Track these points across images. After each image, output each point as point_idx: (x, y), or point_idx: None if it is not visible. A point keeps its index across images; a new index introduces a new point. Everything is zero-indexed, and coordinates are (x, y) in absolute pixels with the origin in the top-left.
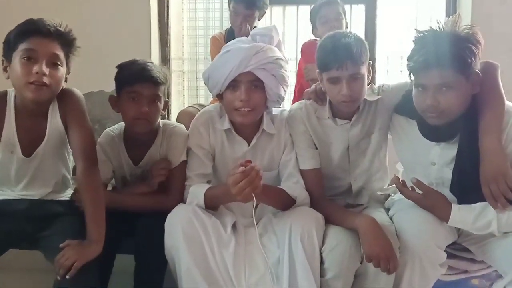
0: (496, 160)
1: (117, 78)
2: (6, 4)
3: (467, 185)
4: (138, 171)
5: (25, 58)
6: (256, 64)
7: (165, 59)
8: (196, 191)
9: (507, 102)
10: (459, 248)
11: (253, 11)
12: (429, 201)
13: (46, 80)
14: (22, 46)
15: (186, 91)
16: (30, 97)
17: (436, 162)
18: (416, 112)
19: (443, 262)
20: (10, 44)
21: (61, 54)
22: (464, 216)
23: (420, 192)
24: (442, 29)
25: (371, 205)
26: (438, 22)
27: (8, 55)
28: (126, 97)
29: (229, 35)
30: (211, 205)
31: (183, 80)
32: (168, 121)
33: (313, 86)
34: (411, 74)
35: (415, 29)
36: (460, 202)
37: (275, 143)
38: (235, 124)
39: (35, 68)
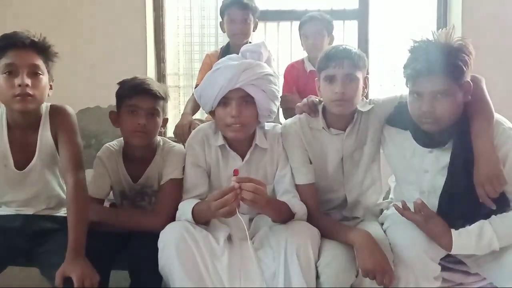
0: (490, 162)
1: (118, 93)
2: (1, 22)
3: (458, 191)
4: (137, 188)
5: (7, 73)
6: (246, 81)
7: (161, 74)
8: (184, 207)
9: (495, 114)
10: (453, 261)
11: (247, 12)
12: (430, 227)
13: (29, 90)
14: (1, 62)
15: (182, 106)
16: (17, 108)
17: (430, 169)
18: (409, 122)
19: (437, 275)
20: None
21: (40, 63)
22: (466, 240)
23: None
24: (436, 39)
25: (366, 219)
26: (433, 33)
27: None
28: (125, 110)
29: (224, 53)
30: (199, 220)
31: (179, 95)
32: (168, 140)
33: (304, 100)
34: (407, 81)
35: (411, 39)
36: (448, 209)
37: (268, 158)
38: (229, 140)
39: (17, 81)
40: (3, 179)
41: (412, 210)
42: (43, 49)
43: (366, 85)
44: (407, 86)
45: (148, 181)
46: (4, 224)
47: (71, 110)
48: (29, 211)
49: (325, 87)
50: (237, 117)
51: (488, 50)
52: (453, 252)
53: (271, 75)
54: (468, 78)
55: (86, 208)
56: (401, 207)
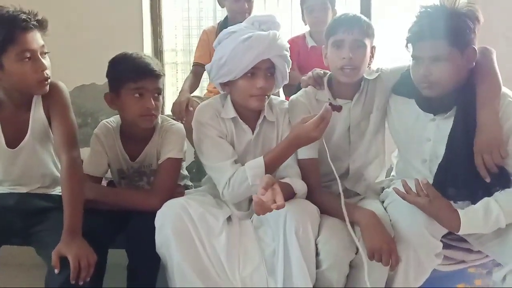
0: (492, 131)
1: (114, 74)
2: None
3: (457, 160)
4: (135, 166)
5: (27, 59)
6: (277, 52)
7: (158, 50)
8: (252, 166)
9: (502, 87)
10: (455, 238)
11: None
12: (435, 208)
13: (48, 73)
14: (14, 49)
15: (180, 83)
16: (40, 93)
17: (432, 138)
18: (414, 90)
19: (439, 252)
20: None
21: (44, 42)
22: (473, 219)
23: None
24: (443, 5)
25: (367, 196)
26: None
27: None
28: (128, 93)
29: (222, 28)
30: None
31: (177, 72)
32: (167, 118)
33: (309, 73)
34: (408, 45)
35: (420, 5)
36: (444, 178)
37: (275, 132)
38: (239, 112)
39: (39, 66)
40: None
41: (413, 188)
42: (45, 27)
43: (373, 55)
44: (407, 50)
45: (147, 160)
46: None
47: (64, 86)
48: (23, 189)
49: (332, 53)
50: (265, 88)
51: (495, 21)
52: (461, 232)
53: (288, 47)
54: (474, 45)
55: (81, 187)
56: (401, 189)
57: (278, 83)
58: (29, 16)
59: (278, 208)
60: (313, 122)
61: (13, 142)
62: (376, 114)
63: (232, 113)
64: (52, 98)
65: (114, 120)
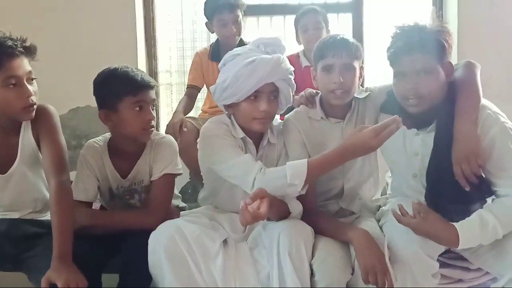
0: (469, 141)
1: (110, 90)
2: None
3: (442, 173)
4: (125, 184)
5: (12, 86)
6: (280, 75)
7: (152, 72)
8: (293, 164)
9: (483, 100)
10: (453, 257)
11: (237, 11)
12: (430, 226)
13: (34, 99)
14: (2, 73)
15: (174, 103)
16: (26, 119)
17: (419, 152)
18: (397, 108)
19: (435, 272)
20: None
21: (31, 67)
22: (470, 231)
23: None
24: (417, 23)
25: (363, 215)
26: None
27: None
28: (129, 107)
29: (215, 50)
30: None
31: (171, 93)
32: (156, 131)
33: (302, 92)
34: (391, 63)
35: (394, 26)
36: (431, 190)
37: (275, 153)
38: (244, 133)
39: (24, 92)
40: None
41: (410, 211)
42: (33, 53)
43: (361, 75)
44: (392, 69)
45: (138, 176)
46: None
47: (53, 109)
48: (14, 215)
49: (322, 77)
50: (268, 112)
51: (484, 39)
52: (460, 246)
53: (293, 69)
54: (449, 59)
55: (70, 212)
56: (398, 212)
57: (282, 106)
58: (15, 43)
59: (254, 214)
60: (373, 130)
61: (2, 167)
62: None
63: (241, 133)
64: (41, 122)
65: (101, 138)
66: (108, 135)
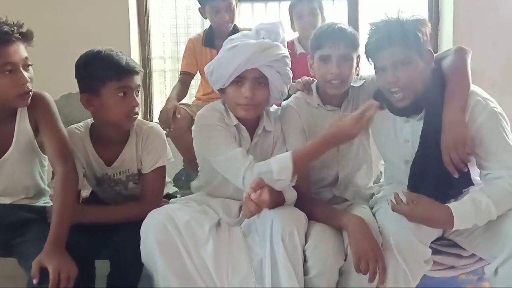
0: (457, 129)
1: (92, 73)
2: None
3: (429, 160)
4: (110, 172)
5: (7, 72)
6: (264, 61)
7: (145, 58)
8: (278, 159)
9: (472, 86)
10: (445, 244)
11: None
12: (423, 209)
13: (30, 86)
14: None
15: (168, 90)
16: (21, 106)
17: (410, 139)
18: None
19: (427, 258)
20: None
21: (27, 53)
22: (464, 211)
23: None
24: (391, 17)
25: (356, 202)
26: (385, 14)
27: None
28: (112, 93)
29: (208, 37)
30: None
31: (165, 79)
32: (141, 119)
33: (298, 79)
34: (370, 59)
35: (369, 23)
36: (414, 177)
37: (271, 140)
38: (239, 120)
39: (20, 80)
40: None
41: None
42: (30, 38)
43: (358, 64)
44: (370, 64)
45: (124, 165)
46: None
47: (49, 96)
48: (6, 200)
49: (320, 68)
50: (251, 98)
51: (479, 30)
52: (455, 226)
53: (287, 57)
54: (428, 47)
55: (73, 200)
56: (393, 200)
57: (273, 94)
58: (12, 28)
59: (258, 201)
60: (352, 118)
61: None
62: None
63: (234, 120)
64: (39, 110)
65: (82, 124)
66: (90, 121)
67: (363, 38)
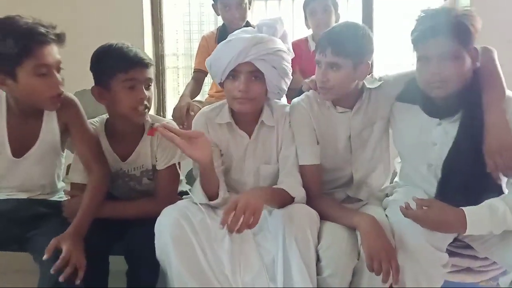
0: (501, 133)
1: (102, 66)
2: None
3: (461, 163)
4: (125, 167)
5: (41, 75)
6: (256, 55)
7: (159, 55)
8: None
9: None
10: (460, 246)
11: None
12: (436, 212)
13: (62, 89)
14: (29, 62)
15: (181, 87)
16: (51, 109)
17: (438, 142)
18: (419, 96)
19: (445, 262)
20: (12, 59)
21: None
22: (479, 216)
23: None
24: (443, 7)
25: (370, 202)
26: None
27: (9, 70)
28: (120, 85)
29: (221, 34)
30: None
31: (178, 76)
32: (156, 116)
33: (312, 77)
34: (414, 47)
35: (420, 9)
36: (445, 180)
37: (274, 137)
38: (236, 117)
39: (54, 81)
40: None
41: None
42: (63, 40)
43: (362, 72)
44: (414, 52)
45: (138, 160)
46: None
47: (76, 98)
48: (22, 195)
49: (316, 70)
50: (245, 91)
51: (496, 29)
52: (468, 231)
53: (283, 51)
54: (474, 45)
55: (101, 202)
56: (404, 206)
57: (271, 89)
58: (47, 30)
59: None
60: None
61: (18, 151)
62: (380, 124)
63: (226, 118)
64: (70, 112)
65: (98, 120)
66: (105, 116)
67: (378, 36)
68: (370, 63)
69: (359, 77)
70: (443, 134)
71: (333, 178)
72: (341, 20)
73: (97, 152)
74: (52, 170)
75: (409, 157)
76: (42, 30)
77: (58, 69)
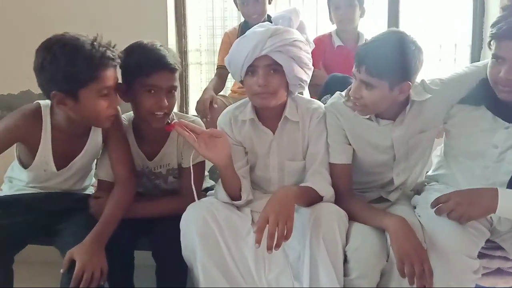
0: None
1: (127, 66)
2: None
3: None
4: (151, 165)
5: (103, 96)
6: (272, 47)
7: (182, 51)
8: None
9: None
10: (491, 247)
11: None
12: (467, 196)
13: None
14: (96, 86)
15: (204, 83)
16: (104, 127)
17: (500, 145)
18: (486, 97)
19: (477, 268)
20: (79, 82)
21: None
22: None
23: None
24: None
25: (399, 201)
26: None
27: (72, 91)
28: (141, 89)
29: (243, 30)
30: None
31: (201, 72)
32: (182, 114)
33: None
34: (491, 41)
35: (500, 6)
36: None
37: (299, 133)
38: (259, 113)
39: (114, 102)
40: (37, 176)
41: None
42: (119, 61)
43: (402, 91)
44: (489, 48)
45: (165, 159)
46: (26, 200)
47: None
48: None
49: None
50: (265, 86)
51: None
52: (498, 211)
53: (300, 41)
54: None
55: (127, 207)
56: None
57: (291, 81)
58: (113, 53)
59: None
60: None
61: (61, 165)
62: (430, 132)
63: (249, 114)
64: (113, 124)
65: (125, 117)
66: (131, 113)
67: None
68: (412, 82)
69: (397, 97)
70: (508, 138)
71: (371, 180)
72: (366, 15)
73: (133, 167)
74: (88, 172)
75: (464, 157)
76: (109, 54)
77: (115, 90)
